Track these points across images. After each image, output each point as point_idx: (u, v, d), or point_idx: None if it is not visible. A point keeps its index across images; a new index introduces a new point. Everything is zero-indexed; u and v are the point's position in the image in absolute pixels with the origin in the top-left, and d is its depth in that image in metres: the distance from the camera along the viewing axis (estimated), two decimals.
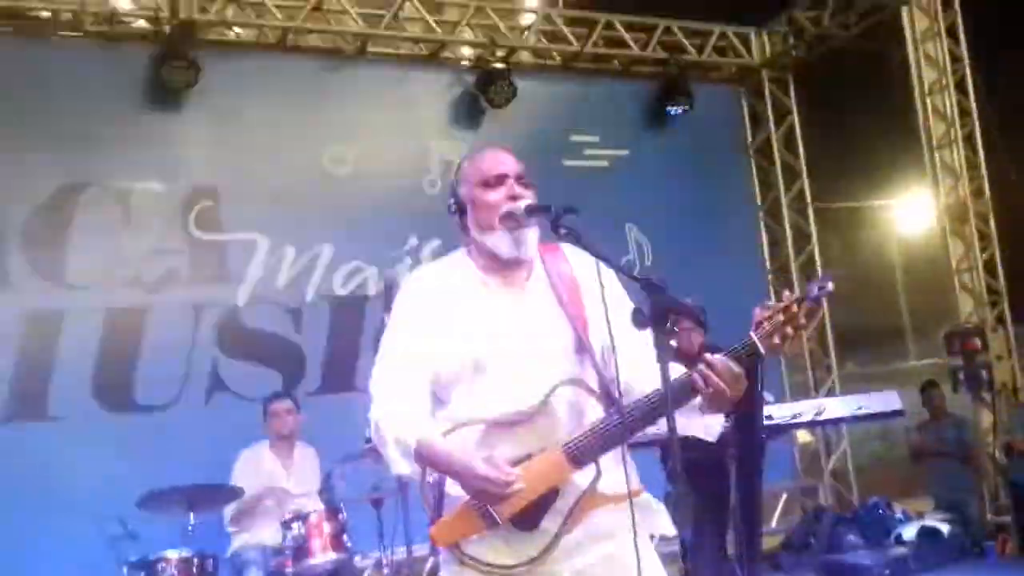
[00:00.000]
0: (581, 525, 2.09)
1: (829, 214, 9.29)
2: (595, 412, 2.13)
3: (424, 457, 2.09)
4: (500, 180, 2.23)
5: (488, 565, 2.08)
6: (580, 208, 2.10)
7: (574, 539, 2.09)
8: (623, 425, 2.07)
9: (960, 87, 8.08)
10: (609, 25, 7.65)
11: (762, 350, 2.02)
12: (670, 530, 2.25)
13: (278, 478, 5.06)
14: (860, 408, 5.80)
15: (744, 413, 5.04)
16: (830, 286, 2.03)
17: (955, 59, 8.08)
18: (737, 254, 8.06)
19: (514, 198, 2.21)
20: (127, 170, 6.03)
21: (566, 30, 7.53)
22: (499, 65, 7.05)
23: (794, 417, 6.03)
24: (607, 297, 2.15)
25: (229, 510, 4.86)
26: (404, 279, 2.34)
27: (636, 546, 2.07)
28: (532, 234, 2.21)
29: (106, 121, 5.97)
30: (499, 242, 2.20)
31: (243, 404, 5.81)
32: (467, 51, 7.40)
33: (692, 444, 4.93)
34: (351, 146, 6.73)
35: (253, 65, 6.58)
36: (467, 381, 2.16)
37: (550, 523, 2.08)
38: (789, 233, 8.36)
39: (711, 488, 4.99)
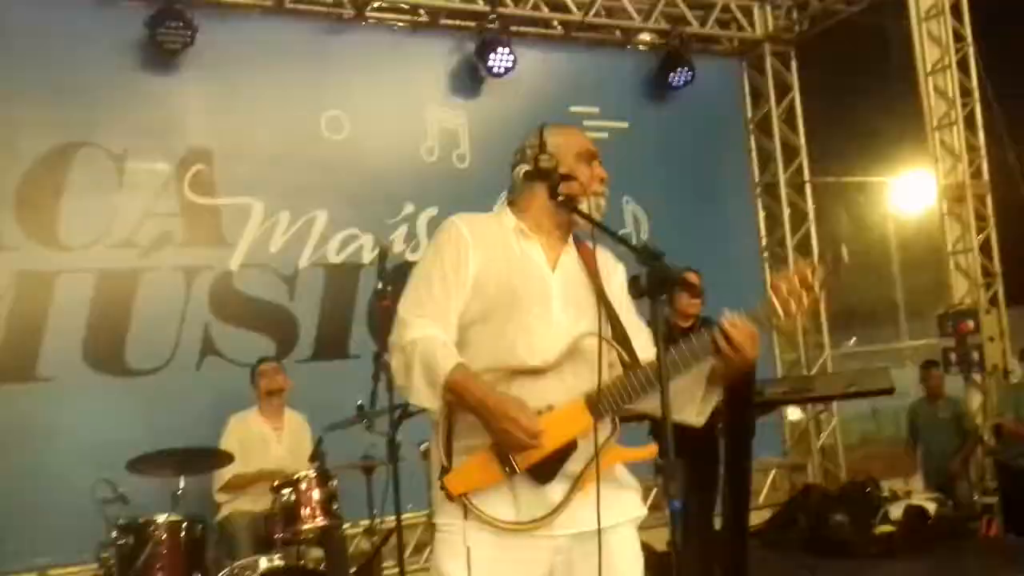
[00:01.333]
0: (590, 483, 2.10)
1: (828, 191, 9.27)
2: (617, 366, 2.19)
3: (455, 389, 2.07)
4: (594, 156, 2.35)
5: (492, 519, 2.09)
6: None
7: (582, 500, 2.10)
8: (646, 380, 2.12)
9: (963, 66, 8.02)
10: None
11: (781, 312, 2.11)
12: (642, 511, 2.29)
13: (268, 443, 5.08)
14: (851, 386, 5.82)
15: (735, 388, 5.06)
16: (845, 256, 2.12)
17: (958, 38, 8.02)
18: (734, 229, 8.04)
19: (603, 180, 2.33)
20: (122, 131, 5.96)
21: None
22: (499, 33, 6.98)
23: (785, 393, 6.06)
24: (615, 277, 2.33)
25: (219, 482, 4.87)
26: (444, 222, 2.28)
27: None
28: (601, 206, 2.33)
29: (101, 82, 5.90)
30: (592, 207, 2.27)
31: (235, 369, 5.80)
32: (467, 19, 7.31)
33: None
34: (348, 112, 6.66)
35: (250, 27, 6.49)
36: (495, 323, 2.16)
37: (561, 483, 2.10)
38: (786, 209, 8.33)
39: (700, 461, 5.01)
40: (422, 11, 7.09)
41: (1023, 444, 6.54)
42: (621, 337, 2.21)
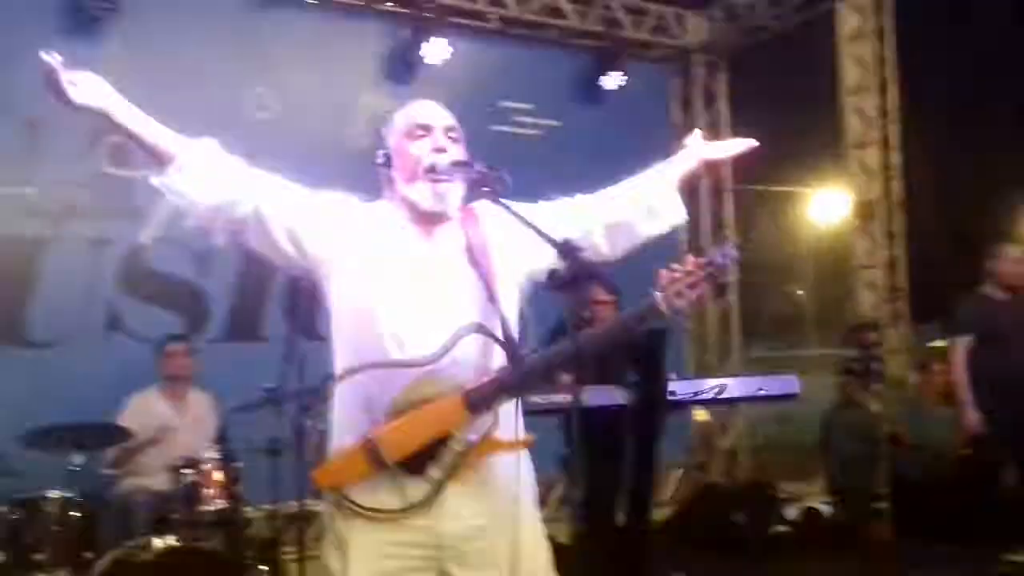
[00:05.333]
0: (470, 473, 2.08)
1: (749, 200, 9.49)
2: (499, 359, 2.14)
3: None
4: (426, 130, 2.21)
5: (366, 508, 2.05)
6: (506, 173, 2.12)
7: (460, 491, 2.07)
8: (526, 378, 2.11)
9: (883, 89, 8.29)
10: None
11: (665, 309, 2.17)
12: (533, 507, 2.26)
13: (170, 423, 4.98)
14: (759, 390, 5.96)
15: (646, 387, 5.16)
16: (734, 253, 2.25)
17: (881, 61, 8.28)
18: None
19: (439, 151, 2.19)
20: (36, 95, 5.73)
21: None
22: (435, 22, 6.96)
23: (695, 394, 6.18)
24: (518, 247, 2.20)
25: (110, 452, 4.76)
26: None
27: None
28: (455, 189, 2.19)
29: (19, 44, 5.66)
30: (421, 194, 2.18)
31: (141, 346, 5.67)
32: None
33: (593, 412, 5.03)
34: (276, 91, 6.55)
35: None
36: (365, 317, 2.12)
37: (437, 469, 2.05)
38: (708, 216, 8.49)
39: (607, 457, 5.11)
40: None
41: (915, 454, 6.79)
42: (505, 329, 2.15)
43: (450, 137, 2.23)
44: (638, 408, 5.09)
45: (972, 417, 5.31)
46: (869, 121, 8.24)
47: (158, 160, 2.15)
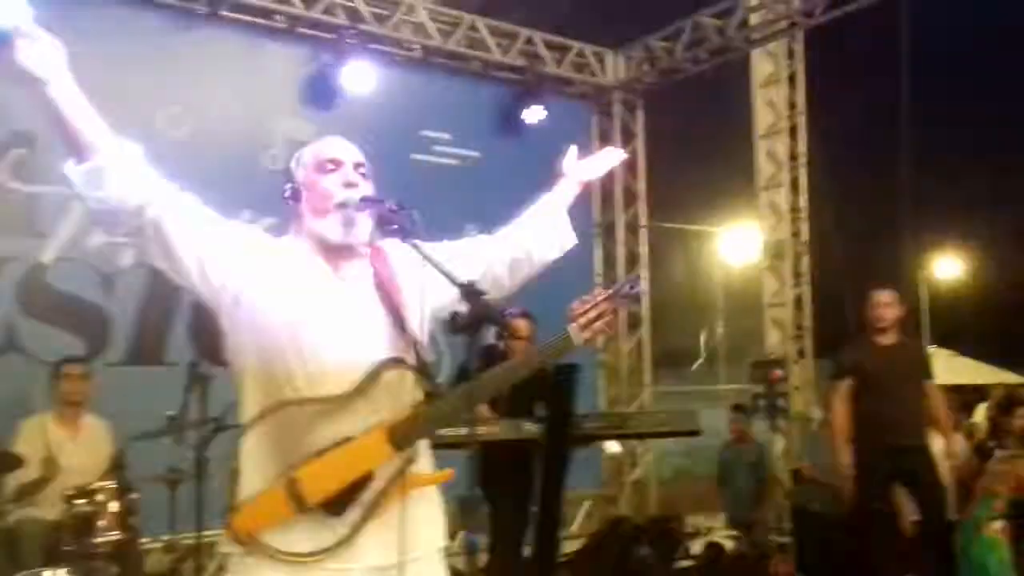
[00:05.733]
0: (387, 511, 2.04)
1: (665, 236, 9.69)
2: (417, 391, 2.11)
3: None
4: (336, 165, 2.19)
5: (283, 553, 1.98)
6: (423, 203, 2.11)
7: (375, 530, 2.03)
8: (449, 411, 2.11)
9: (793, 133, 8.60)
10: (473, 26, 7.69)
11: (577, 341, 2.26)
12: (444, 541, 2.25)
13: (63, 449, 4.79)
14: (662, 424, 6.06)
15: (554, 420, 5.19)
16: (640, 286, 2.31)
17: (791, 106, 8.60)
18: (570, 269, 8.04)
19: (349, 185, 2.17)
20: None
21: (429, 24, 7.50)
22: (357, 49, 6.94)
23: (600, 428, 6.24)
24: (425, 285, 2.15)
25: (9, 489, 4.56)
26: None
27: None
28: (364, 223, 2.17)
29: None
30: (330, 228, 2.15)
31: (38, 367, 5.45)
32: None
33: (501, 447, 5.03)
34: (191, 109, 6.43)
35: (93, 10, 6.17)
36: (275, 351, 2.06)
37: (358, 508, 2.01)
38: (622, 253, 8.62)
39: (515, 489, 5.11)
40: (279, 16, 6.96)
41: (817, 489, 6.96)
42: (420, 361, 2.14)
43: (360, 173, 2.21)
44: (546, 441, 5.11)
45: (844, 460, 5.45)
46: (779, 164, 8.55)
47: (79, 148, 1.99)
